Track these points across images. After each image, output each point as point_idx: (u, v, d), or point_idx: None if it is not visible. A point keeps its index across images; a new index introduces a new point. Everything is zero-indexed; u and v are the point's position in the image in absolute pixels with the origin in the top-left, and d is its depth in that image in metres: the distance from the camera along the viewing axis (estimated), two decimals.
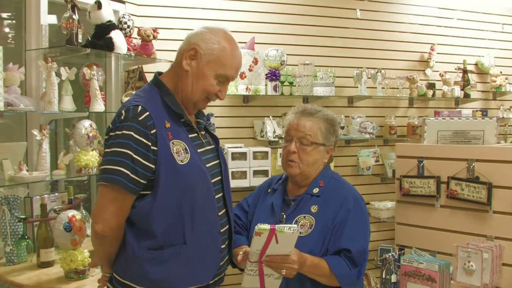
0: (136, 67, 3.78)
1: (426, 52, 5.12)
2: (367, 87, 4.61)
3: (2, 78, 2.79)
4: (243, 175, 4.11)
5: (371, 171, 4.78)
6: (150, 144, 1.81)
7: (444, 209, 3.30)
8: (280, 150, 4.13)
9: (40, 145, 3.06)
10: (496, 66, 5.43)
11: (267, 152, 4.19)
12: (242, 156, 4.11)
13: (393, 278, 3.18)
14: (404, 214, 3.49)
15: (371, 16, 4.88)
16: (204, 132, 2.14)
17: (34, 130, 3.03)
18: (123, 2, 3.87)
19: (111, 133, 1.85)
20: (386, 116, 4.86)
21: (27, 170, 2.98)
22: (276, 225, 1.91)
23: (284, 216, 2.28)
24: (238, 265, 2.17)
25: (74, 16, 3.10)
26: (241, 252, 2.11)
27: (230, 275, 2.25)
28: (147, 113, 1.83)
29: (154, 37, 3.72)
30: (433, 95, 4.96)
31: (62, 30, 3.13)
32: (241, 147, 4.18)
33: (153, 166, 1.82)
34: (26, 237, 2.94)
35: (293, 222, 2.24)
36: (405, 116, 5.02)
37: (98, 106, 3.31)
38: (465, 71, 5.14)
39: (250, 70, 4.19)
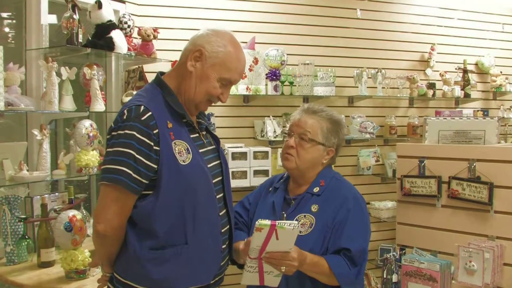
0: (137, 66, 3.78)
1: (427, 52, 5.12)
2: (367, 87, 4.61)
3: (2, 78, 2.79)
4: (243, 175, 4.11)
5: (371, 171, 4.78)
6: (152, 144, 1.81)
7: (445, 209, 3.29)
8: (280, 150, 4.13)
9: (41, 145, 3.05)
10: (496, 66, 5.44)
11: (267, 152, 4.19)
12: (243, 156, 4.11)
13: (394, 278, 3.17)
14: (405, 214, 3.49)
15: (371, 16, 4.88)
16: (205, 132, 2.14)
17: (35, 130, 3.03)
18: (124, 2, 3.87)
19: (113, 133, 1.85)
20: (386, 116, 4.86)
21: (28, 170, 2.98)
22: (277, 221, 1.91)
23: (285, 215, 2.28)
24: (237, 260, 2.18)
25: (74, 16, 3.09)
26: (243, 243, 2.11)
27: (230, 275, 2.24)
28: (150, 113, 1.83)
29: (155, 37, 3.72)
30: (433, 95, 4.96)
31: (62, 30, 3.13)
32: (241, 147, 4.18)
33: (155, 166, 1.82)
34: (27, 237, 2.94)
35: (295, 221, 2.23)
36: (405, 116, 5.02)
37: (99, 106, 3.31)
38: (465, 71, 5.14)
39: (250, 70, 4.18)
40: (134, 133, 1.80)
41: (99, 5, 3.26)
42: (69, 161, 3.25)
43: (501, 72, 5.42)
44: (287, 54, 4.27)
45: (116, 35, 3.37)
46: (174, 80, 2.01)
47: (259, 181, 4.04)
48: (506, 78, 5.41)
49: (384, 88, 4.73)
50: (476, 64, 5.45)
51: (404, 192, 3.43)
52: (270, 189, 2.50)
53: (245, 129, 4.43)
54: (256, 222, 1.92)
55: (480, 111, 4.72)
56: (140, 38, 3.71)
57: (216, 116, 4.20)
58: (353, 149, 4.73)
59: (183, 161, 1.87)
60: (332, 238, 2.21)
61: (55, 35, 3.48)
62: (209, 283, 1.98)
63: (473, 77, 5.27)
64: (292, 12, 4.58)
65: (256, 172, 4.15)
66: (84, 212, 3.24)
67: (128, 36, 3.61)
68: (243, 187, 4.05)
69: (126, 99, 3.49)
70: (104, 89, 3.63)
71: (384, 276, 3.22)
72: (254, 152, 4.14)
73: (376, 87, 4.67)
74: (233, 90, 4.07)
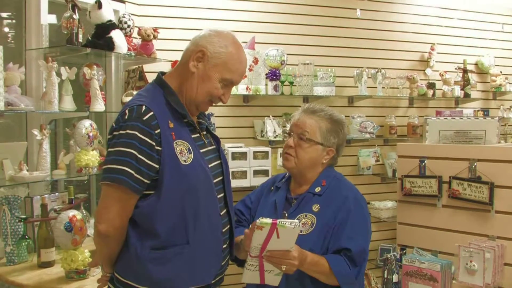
0: (137, 66, 3.77)
1: (426, 52, 5.12)
2: (367, 87, 4.61)
3: (2, 78, 2.78)
4: (243, 175, 4.11)
5: (371, 170, 4.78)
6: (154, 144, 1.81)
7: (446, 209, 3.29)
8: (280, 150, 4.13)
9: (41, 145, 3.05)
10: (496, 65, 5.45)
11: (267, 152, 4.18)
12: (243, 156, 4.10)
13: (395, 278, 3.18)
14: (406, 214, 3.49)
15: (371, 15, 4.88)
16: (205, 132, 2.14)
17: (35, 130, 3.03)
18: (123, 2, 3.87)
19: (114, 133, 1.85)
20: (386, 115, 4.86)
21: (28, 170, 2.97)
22: (278, 220, 1.91)
23: (286, 214, 2.28)
24: (238, 255, 2.19)
25: (74, 16, 3.09)
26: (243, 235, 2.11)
27: (230, 275, 2.24)
28: (151, 113, 1.83)
29: (155, 37, 3.72)
30: (433, 94, 4.96)
31: (62, 30, 3.12)
32: (241, 147, 4.18)
33: (157, 166, 1.82)
34: (27, 237, 2.94)
35: (296, 220, 2.23)
36: (405, 115, 5.02)
37: (99, 106, 3.31)
38: (465, 71, 5.15)
39: (250, 69, 4.18)
40: (136, 133, 1.79)
41: (99, 5, 3.26)
42: (69, 161, 3.24)
43: (501, 72, 5.43)
44: (287, 54, 4.26)
45: (116, 35, 3.36)
46: (175, 80, 2.01)
47: (259, 181, 4.04)
48: (506, 78, 5.41)
49: (384, 88, 4.73)
50: (476, 64, 5.45)
51: (404, 192, 3.43)
52: (272, 188, 2.50)
53: (245, 129, 4.43)
54: (257, 221, 1.91)
55: (480, 111, 4.72)
56: (140, 38, 3.71)
57: (216, 116, 4.20)
58: (353, 149, 4.73)
59: (185, 161, 1.87)
60: (333, 238, 2.21)
61: (55, 35, 3.47)
62: (210, 283, 1.98)
63: (473, 77, 5.28)
64: (292, 12, 4.58)
65: (256, 172, 4.14)
66: (84, 212, 3.23)
67: (128, 36, 3.61)
68: (243, 187, 4.05)
69: (126, 99, 3.48)
70: (104, 89, 3.62)
71: (385, 276, 3.23)
72: (254, 152, 4.14)
73: (376, 87, 4.67)
74: (233, 90, 4.05)
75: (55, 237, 2.72)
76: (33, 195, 3.11)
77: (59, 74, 3.07)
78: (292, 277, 2.13)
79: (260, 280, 2.06)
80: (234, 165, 4.00)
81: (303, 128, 2.34)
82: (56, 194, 3.24)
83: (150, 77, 3.56)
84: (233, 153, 4.05)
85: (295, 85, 4.36)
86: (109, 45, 3.32)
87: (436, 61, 5.13)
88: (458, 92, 5.04)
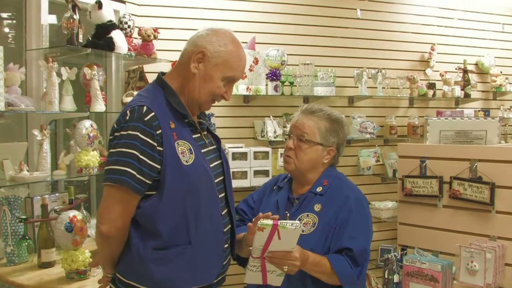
0: (137, 67, 3.77)
1: (427, 52, 5.12)
2: (367, 87, 4.61)
3: (2, 78, 2.77)
4: (243, 175, 4.10)
5: (371, 171, 4.78)
6: (156, 144, 1.81)
7: (446, 209, 3.29)
8: (280, 150, 4.14)
9: (41, 145, 3.04)
10: (496, 66, 5.45)
11: (267, 152, 4.18)
12: (243, 156, 4.10)
13: (396, 278, 3.17)
14: (407, 214, 3.49)
15: (371, 16, 4.88)
16: (206, 132, 2.14)
17: (35, 130, 3.02)
18: (124, 2, 3.87)
19: (116, 133, 1.85)
20: (386, 116, 4.86)
21: (28, 170, 2.96)
22: (279, 221, 1.91)
23: (288, 214, 2.28)
24: (240, 253, 2.20)
25: (74, 16, 3.08)
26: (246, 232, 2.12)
27: (231, 275, 2.24)
28: (153, 113, 1.83)
29: (155, 37, 3.71)
30: (434, 95, 4.96)
31: (62, 30, 3.12)
32: (241, 147, 4.17)
33: (158, 167, 1.82)
34: (27, 238, 2.93)
35: (297, 220, 2.23)
36: (405, 116, 5.02)
37: (99, 106, 3.30)
38: (465, 71, 5.14)
39: (250, 70, 4.18)
40: (138, 133, 1.79)
41: (99, 5, 3.25)
42: (69, 161, 3.24)
43: (501, 72, 5.43)
44: (287, 54, 4.26)
45: (116, 35, 3.36)
46: (176, 81, 2.00)
47: (259, 181, 4.04)
48: (506, 78, 5.41)
49: (384, 88, 4.73)
50: (476, 64, 5.45)
51: (405, 192, 3.43)
52: (274, 188, 2.50)
53: (245, 129, 4.42)
54: (258, 222, 1.92)
55: (481, 111, 4.72)
56: (140, 38, 3.70)
57: (216, 116, 4.20)
58: (353, 149, 4.73)
59: (186, 161, 1.87)
60: (334, 237, 2.21)
61: (55, 35, 3.47)
62: (212, 283, 1.98)
63: (473, 77, 5.27)
64: (292, 12, 4.58)
65: (257, 172, 4.14)
66: (85, 212, 3.22)
67: (128, 36, 3.60)
68: (244, 187, 4.04)
69: (127, 99, 3.48)
70: (104, 89, 3.61)
71: (386, 277, 3.22)
72: (255, 152, 4.14)
73: (376, 87, 4.67)
74: (234, 90, 4.06)
75: (56, 238, 2.72)
76: (33, 196, 3.10)
77: (59, 75, 3.06)
78: (293, 277, 2.13)
79: (262, 281, 2.07)
80: (234, 166, 4.00)
81: (302, 129, 2.35)
82: (57, 194, 3.24)
83: (151, 78, 3.56)
84: (233, 154, 4.04)
85: (295, 86, 4.36)
86: (110, 46, 3.31)
87: (436, 61, 5.13)
88: (458, 92, 5.04)
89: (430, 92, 4.92)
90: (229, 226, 2.09)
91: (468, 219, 3.18)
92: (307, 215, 2.26)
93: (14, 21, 3.52)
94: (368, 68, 4.63)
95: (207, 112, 2.24)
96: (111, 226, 1.80)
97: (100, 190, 3.75)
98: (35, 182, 3.03)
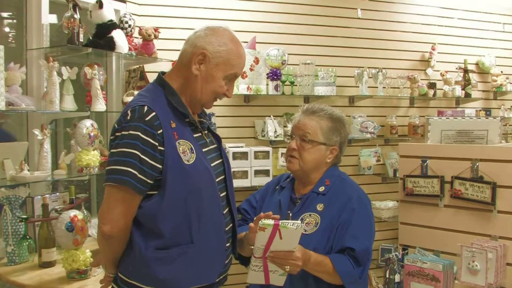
0: (137, 66, 3.76)
1: (427, 52, 5.11)
2: (368, 87, 4.61)
3: (3, 78, 2.77)
4: (244, 174, 4.10)
5: (372, 170, 4.77)
6: (157, 144, 1.81)
7: (448, 209, 3.28)
8: (281, 150, 4.13)
9: (41, 144, 3.04)
10: (497, 65, 5.44)
11: (268, 152, 4.18)
12: (243, 155, 4.09)
13: (397, 278, 3.17)
14: (408, 214, 3.48)
15: (372, 15, 4.88)
16: (207, 132, 2.14)
17: (36, 130, 3.02)
18: (124, 2, 3.86)
19: (117, 133, 1.85)
20: (387, 115, 4.86)
21: (28, 170, 2.96)
22: (280, 221, 1.91)
23: (290, 214, 2.28)
24: (242, 252, 2.21)
25: (75, 16, 3.08)
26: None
27: (233, 274, 2.24)
28: (154, 113, 1.83)
29: (155, 37, 3.71)
30: (434, 94, 4.95)
31: (63, 30, 3.11)
32: (242, 146, 4.17)
33: (160, 166, 1.82)
34: (28, 237, 2.93)
35: (299, 220, 2.23)
36: (406, 115, 5.01)
37: (100, 105, 3.30)
38: (466, 71, 5.14)
39: (251, 69, 4.18)
40: (139, 133, 1.79)
41: (100, 5, 3.25)
42: (70, 161, 3.23)
43: (501, 71, 5.43)
44: (288, 54, 4.26)
45: (117, 35, 3.35)
46: (177, 80, 2.01)
47: (260, 181, 4.04)
48: (507, 78, 5.41)
49: (384, 87, 4.73)
50: (476, 63, 5.45)
51: (406, 192, 3.42)
52: (277, 187, 2.51)
53: (246, 129, 4.42)
54: (260, 222, 1.92)
55: (482, 110, 4.72)
56: (141, 38, 3.70)
57: (217, 116, 4.19)
58: (354, 149, 4.72)
59: (187, 160, 1.87)
60: (337, 237, 2.21)
61: (56, 34, 3.46)
62: (214, 282, 1.99)
63: (473, 77, 5.27)
64: (293, 12, 4.58)
65: (257, 172, 4.13)
66: (85, 212, 3.22)
67: (129, 35, 3.60)
68: (244, 187, 4.04)
69: (127, 98, 3.47)
70: (105, 88, 3.61)
71: (387, 276, 3.22)
72: (255, 152, 4.13)
73: (376, 87, 4.67)
74: (235, 90, 3.99)
75: (56, 237, 2.72)
76: (34, 195, 3.09)
77: (60, 74, 3.06)
78: (295, 277, 2.13)
79: (265, 281, 2.07)
80: (235, 165, 3.99)
81: (305, 130, 2.35)
82: (57, 194, 3.23)
83: (151, 77, 3.55)
84: (234, 153, 4.04)
85: (296, 85, 4.36)
86: (110, 45, 3.31)
87: (437, 61, 5.12)
88: (459, 92, 5.04)
89: (431, 92, 4.92)
90: (231, 225, 2.10)
91: (470, 218, 3.18)
92: (310, 215, 2.26)
93: (15, 21, 3.51)
94: (368, 67, 4.62)
95: (207, 112, 2.24)
96: (113, 226, 1.80)
97: (101, 190, 3.76)
98: (35, 181, 3.03)
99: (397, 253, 3.31)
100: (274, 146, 4.28)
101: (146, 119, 1.81)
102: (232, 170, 3.83)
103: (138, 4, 4.02)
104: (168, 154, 1.82)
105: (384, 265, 3.30)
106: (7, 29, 3.54)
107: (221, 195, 2.05)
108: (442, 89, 5.05)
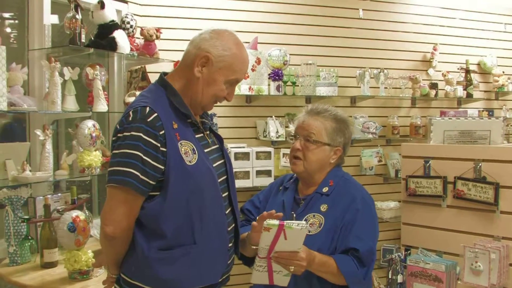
0: (139, 67, 3.76)
1: (429, 52, 5.11)
2: (369, 87, 4.59)
3: (5, 78, 2.77)
4: (246, 175, 4.09)
5: (373, 171, 4.77)
6: (159, 145, 1.80)
7: (450, 209, 3.28)
8: (283, 150, 4.13)
9: (43, 145, 3.04)
10: (498, 66, 5.43)
11: (270, 152, 4.17)
12: (245, 156, 4.09)
13: (399, 279, 3.17)
14: (410, 214, 3.48)
15: (373, 16, 4.87)
16: (208, 132, 2.14)
17: (37, 130, 3.02)
18: (126, 2, 3.86)
19: (119, 134, 1.84)
20: (388, 116, 4.85)
21: (30, 170, 2.96)
22: (285, 221, 1.92)
23: (294, 215, 2.28)
24: (244, 252, 2.20)
25: (77, 16, 3.08)
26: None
27: (236, 275, 2.24)
28: (156, 114, 1.82)
29: (157, 37, 3.71)
30: (436, 95, 4.94)
31: (65, 30, 3.11)
32: (243, 147, 4.16)
33: (162, 167, 1.81)
34: (30, 238, 2.93)
35: (303, 221, 2.23)
36: (407, 116, 5.00)
37: (101, 106, 3.29)
38: (467, 71, 5.12)
39: (253, 70, 4.17)
40: (141, 134, 1.79)
41: (102, 5, 3.25)
42: (71, 161, 3.23)
43: (503, 72, 5.41)
44: (290, 54, 4.25)
45: (119, 35, 3.35)
46: (178, 81, 2.00)
47: (261, 181, 4.04)
48: (509, 78, 5.39)
49: (386, 88, 4.71)
50: (478, 64, 5.44)
51: (409, 192, 3.42)
52: (280, 188, 2.51)
53: (248, 129, 4.41)
54: (264, 222, 1.92)
55: (485, 111, 4.71)
56: (142, 38, 3.70)
57: (218, 116, 4.18)
58: (356, 149, 4.71)
59: (190, 161, 1.86)
60: (341, 237, 2.21)
61: (57, 35, 3.46)
62: (216, 282, 1.98)
63: (475, 77, 5.26)
64: (295, 12, 4.57)
65: (259, 173, 4.13)
66: (87, 212, 3.21)
67: (130, 36, 3.59)
68: (246, 187, 4.04)
69: (129, 99, 3.47)
70: (107, 89, 3.61)
71: (389, 277, 3.22)
72: (257, 152, 4.12)
73: (378, 87, 4.66)
74: (236, 90, 3.99)
75: (58, 238, 2.72)
76: (36, 196, 3.09)
77: (61, 74, 3.06)
78: (300, 277, 2.13)
79: (269, 281, 2.07)
80: (236, 166, 3.98)
81: (309, 130, 2.34)
82: (59, 194, 3.23)
83: (153, 78, 3.56)
84: (235, 154, 4.03)
85: (298, 85, 4.35)
86: (112, 45, 3.31)
87: (438, 61, 5.11)
88: (460, 92, 5.03)
89: (432, 92, 4.91)
90: (233, 225, 2.09)
91: (472, 219, 3.18)
92: (314, 216, 2.26)
93: (17, 21, 3.51)
94: (370, 68, 4.61)
95: (209, 112, 2.24)
96: (115, 227, 1.79)
97: (103, 190, 3.76)
98: (37, 182, 3.02)
99: (399, 253, 3.31)
100: (276, 147, 4.28)
101: (148, 120, 1.80)
102: (234, 170, 3.83)
103: (140, 4, 4.02)
104: (170, 155, 1.82)
105: (387, 265, 3.30)
106: (9, 30, 3.54)
107: (223, 195, 2.04)
108: (443, 89, 5.04)
